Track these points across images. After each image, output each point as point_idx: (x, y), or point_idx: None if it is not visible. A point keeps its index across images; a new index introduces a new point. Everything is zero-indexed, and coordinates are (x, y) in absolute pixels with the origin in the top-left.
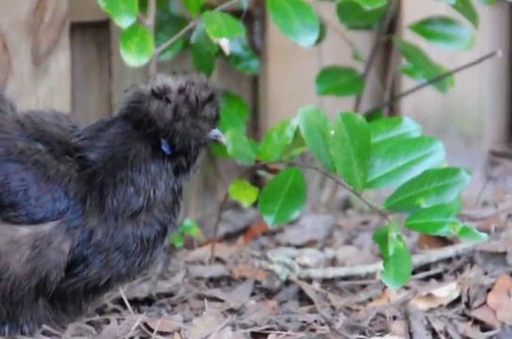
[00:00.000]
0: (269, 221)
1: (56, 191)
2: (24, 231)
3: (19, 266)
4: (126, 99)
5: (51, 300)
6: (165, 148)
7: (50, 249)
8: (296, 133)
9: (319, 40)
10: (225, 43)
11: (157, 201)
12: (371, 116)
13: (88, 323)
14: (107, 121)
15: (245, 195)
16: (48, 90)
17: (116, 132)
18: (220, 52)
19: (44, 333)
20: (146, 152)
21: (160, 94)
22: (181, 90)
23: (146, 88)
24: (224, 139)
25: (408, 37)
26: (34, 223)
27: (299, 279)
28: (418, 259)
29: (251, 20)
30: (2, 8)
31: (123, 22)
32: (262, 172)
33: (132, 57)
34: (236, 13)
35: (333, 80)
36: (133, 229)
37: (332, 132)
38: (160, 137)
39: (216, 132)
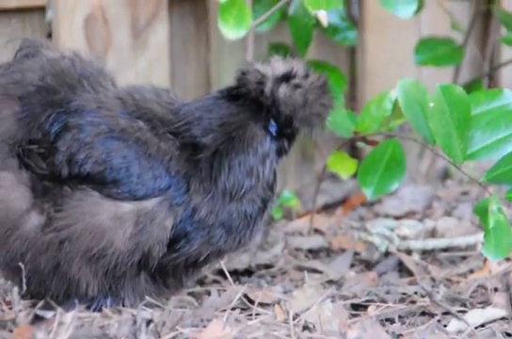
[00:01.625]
0: (368, 194)
1: (157, 169)
2: (128, 207)
3: (122, 242)
4: (242, 79)
5: (152, 275)
6: (272, 129)
7: (153, 225)
8: (395, 105)
9: (417, 11)
10: (323, 15)
11: (263, 180)
12: (470, 86)
13: (190, 294)
14: (214, 99)
15: (344, 167)
16: (147, 63)
17: (229, 113)
18: (318, 23)
19: (147, 305)
20: (261, 134)
21: (288, 78)
22: (306, 76)
23: (267, 70)
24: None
25: (508, 6)
26: (136, 200)
27: (399, 250)
28: None
29: None
30: None
31: None
32: (360, 144)
33: (230, 30)
34: None
35: (432, 50)
36: (237, 206)
37: (432, 104)
38: (269, 119)
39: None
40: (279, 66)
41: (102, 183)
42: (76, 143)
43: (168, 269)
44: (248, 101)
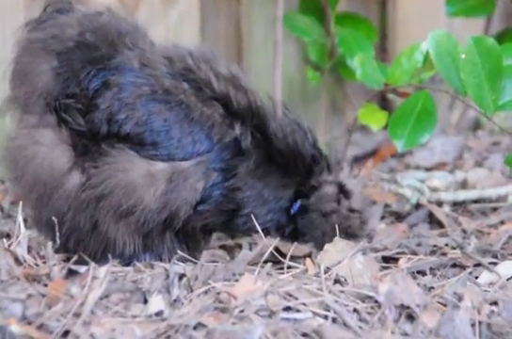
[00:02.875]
0: (399, 146)
1: (197, 133)
2: (162, 165)
3: (152, 199)
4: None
5: (176, 234)
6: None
7: (185, 185)
8: (426, 56)
9: None
10: None
11: None
12: (502, 37)
13: (221, 247)
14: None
15: (374, 119)
16: (178, 17)
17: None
18: None
19: (180, 260)
20: None
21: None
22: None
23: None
24: None
25: None
26: None
27: (429, 202)
28: None
29: None
30: None
31: None
32: (391, 96)
33: None
34: None
35: (463, 1)
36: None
37: (463, 56)
38: None
39: None
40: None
41: (140, 144)
42: (117, 103)
43: (188, 231)
44: None
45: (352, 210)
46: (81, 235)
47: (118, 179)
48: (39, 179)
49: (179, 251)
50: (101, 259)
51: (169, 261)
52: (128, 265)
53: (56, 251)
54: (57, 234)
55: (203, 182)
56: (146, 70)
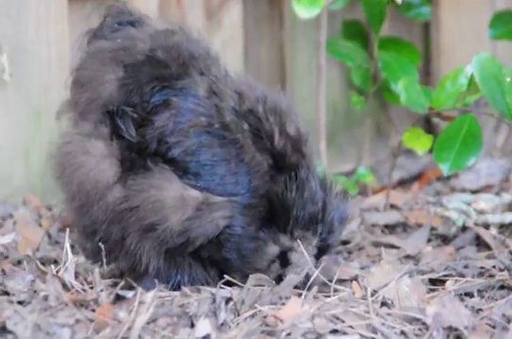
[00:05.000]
0: (445, 169)
1: (242, 176)
2: (196, 192)
3: (177, 222)
4: None
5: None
6: None
7: (210, 217)
8: (471, 80)
9: None
10: None
11: None
12: None
13: None
14: None
15: (419, 143)
16: (221, 43)
17: None
18: (391, 0)
19: (226, 284)
20: None
21: None
22: None
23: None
24: None
25: None
26: None
27: (476, 224)
28: None
29: None
30: None
31: None
32: (435, 120)
33: (304, 9)
34: None
35: (507, 24)
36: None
37: (508, 79)
38: None
39: None
40: None
41: (184, 171)
42: (172, 125)
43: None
44: None
45: None
46: (112, 246)
47: (149, 194)
48: (83, 189)
49: (226, 276)
50: (130, 273)
51: (192, 283)
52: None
53: (103, 277)
54: (104, 260)
55: (227, 221)
56: (213, 99)
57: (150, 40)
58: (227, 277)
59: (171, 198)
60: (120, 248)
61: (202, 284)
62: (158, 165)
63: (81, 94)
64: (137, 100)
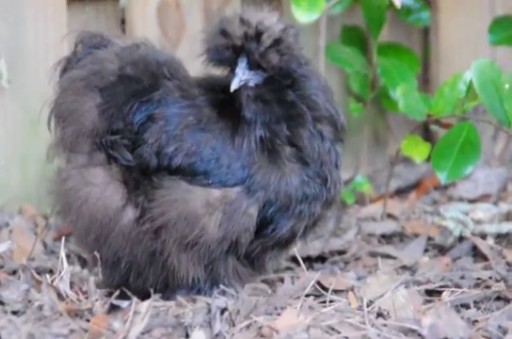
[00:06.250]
0: (442, 178)
1: (244, 158)
2: (217, 193)
3: (214, 229)
4: None
5: (238, 259)
6: None
7: (238, 213)
8: (469, 86)
9: None
10: None
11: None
12: None
13: (263, 281)
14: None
15: (417, 151)
16: None
17: None
18: (391, 5)
19: (221, 293)
20: None
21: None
22: None
23: None
24: None
25: None
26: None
27: (473, 234)
28: None
29: None
30: None
31: None
32: (434, 127)
33: (303, 14)
34: None
35: (506, 30)
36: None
37: (507, 86)
38: None
39: None
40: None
41: (192, 174)
42: (165, 135)
43: (253, 253)
44: None
45: None
46: (139, 268)
47: (179, 209)
48: (95, 220)
49: (221, 285)
50: (163, 290)
51: (239, 282)
52: (190, 293)
53: (98, 287)
54: (99, 268)
55: (256, 206)
56: (186, 100)
57: (117, 58)
58: (222, 287)
59: (201, 207)
60: (148, 267)
61: (246, 282)
62: (164, 179)
63: (65, 129)
64: (121, 125)
